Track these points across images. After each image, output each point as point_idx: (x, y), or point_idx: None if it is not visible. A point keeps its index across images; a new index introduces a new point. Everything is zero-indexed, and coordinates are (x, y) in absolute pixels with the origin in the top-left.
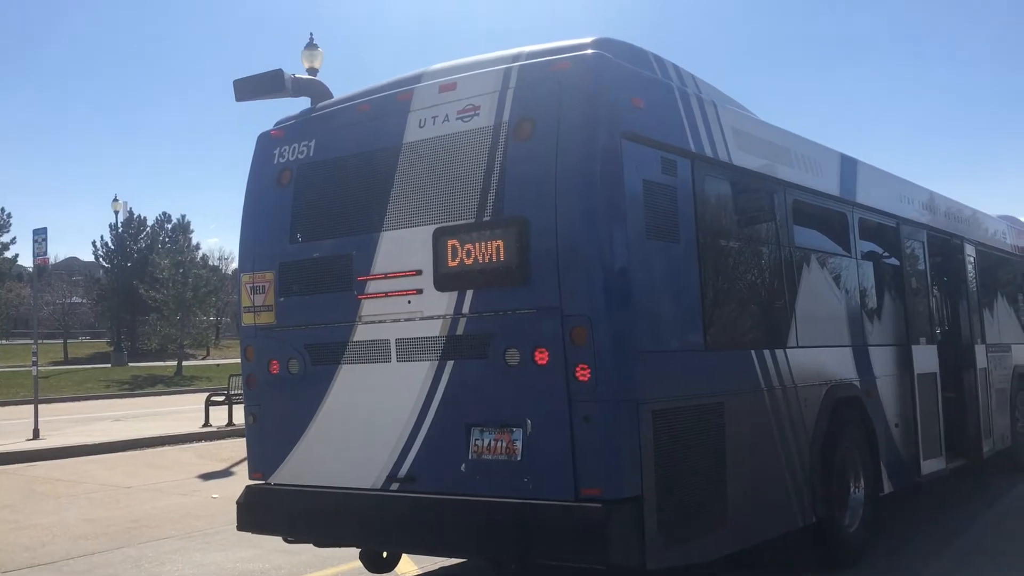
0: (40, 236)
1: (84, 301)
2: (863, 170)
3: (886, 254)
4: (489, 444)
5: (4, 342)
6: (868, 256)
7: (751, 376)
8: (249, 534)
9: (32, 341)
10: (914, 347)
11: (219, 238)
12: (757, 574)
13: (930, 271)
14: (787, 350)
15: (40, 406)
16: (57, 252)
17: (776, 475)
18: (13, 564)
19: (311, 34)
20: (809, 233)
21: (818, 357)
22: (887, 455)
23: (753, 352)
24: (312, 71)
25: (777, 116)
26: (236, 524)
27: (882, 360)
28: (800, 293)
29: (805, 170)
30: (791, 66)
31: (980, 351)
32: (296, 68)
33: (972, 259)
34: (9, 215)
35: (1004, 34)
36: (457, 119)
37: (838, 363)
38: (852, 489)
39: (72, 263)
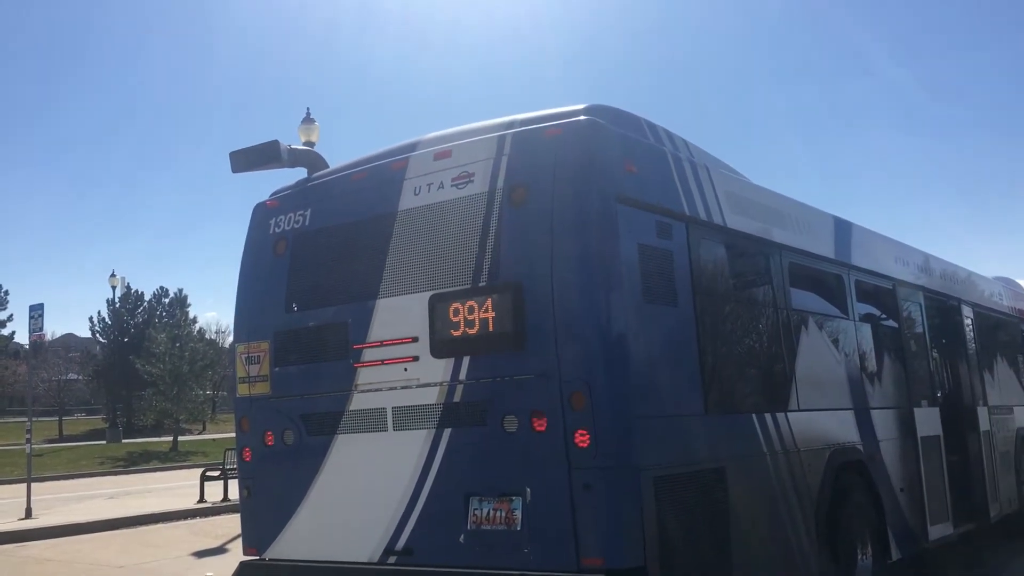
0: (36, 312)
1: (80, 377)
2: (858, 232)
3: (884, 316)
4: (488, 514)
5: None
6: (866, 318)
7: (753, 440)
8: None
9: (27, 419)
10: (916, 410)
11: (216, 312)
12: None
13: (929, 333)
14: (788, 413)
15: (33, 484)
16: (54, 329)
17: (781, 541)
18: None
19: (308, 109)
20: (806, 296)
21: (820, 420)
22: (893, 520)
23: (754, 416)
24: (309, 144)
25: (764, 181)
26: None
27: (885, 423)
28: (799, 356)
29: (800, 232)
30: (776, 133)
31: (983, 413)
32: (292, 140)
33: (970, 320)
34: (7, 292)
35: (997, 96)
36: (452, 186)
37: (840, 426)
38: (859, 556)
39: (69, 339)
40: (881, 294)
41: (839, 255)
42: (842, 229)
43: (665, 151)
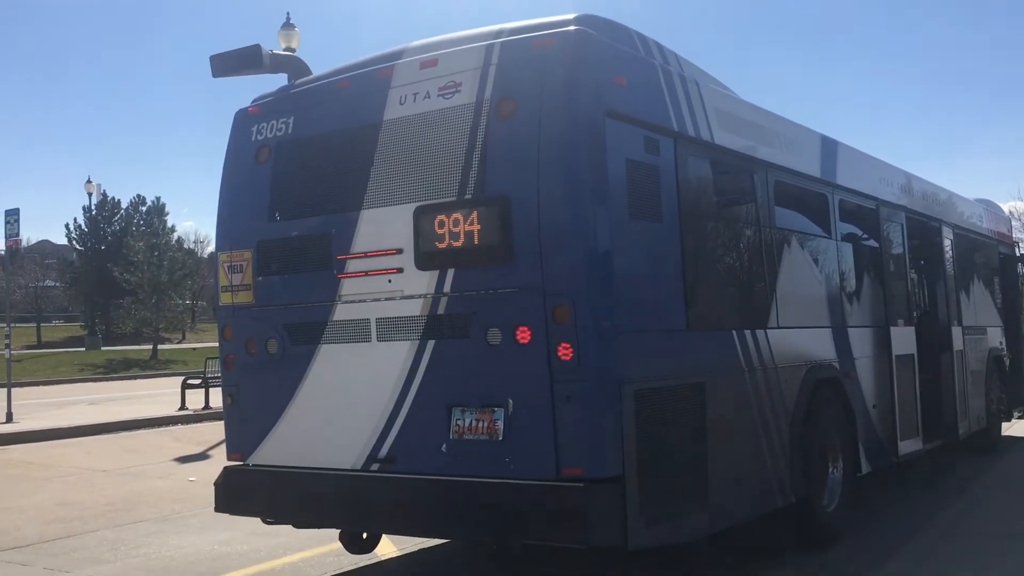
0: (12, 217)
1: (57, 284)
2: (844, 152)
3: (865, 236)
4: (470, 424)
5: None
6: (848, 238)
7: (732, 357)
8: (227, 516)
9: (4, 324)
10: (892, 329)
11: (194, 221)
12: (737, 554)
13: (908, 253)
14: (768, 331)
15: (13, 390)
16: (29, 235)
17: (756, 455)
18: None
19: (288, 13)
20: (790, 214)
21: (798, 338)
22: (865, 435)
23: (735, 333)
24: (289, 50)
25: (753, 97)
26: (214, 506)
27: (861, 341)
28: (781, 274)
29: (787, 151)
30: (766, 46)
31: (957, 333)
32: (272, 46)
33: (950, 242)
34: None
35: (982, 19)
36: (438, 96)
37: (818, 344)
38: (831, 469)
39: (45, 246)
40: (864, 214)
41: (824, 174)
42: (828, 148)
43: (655, 65)
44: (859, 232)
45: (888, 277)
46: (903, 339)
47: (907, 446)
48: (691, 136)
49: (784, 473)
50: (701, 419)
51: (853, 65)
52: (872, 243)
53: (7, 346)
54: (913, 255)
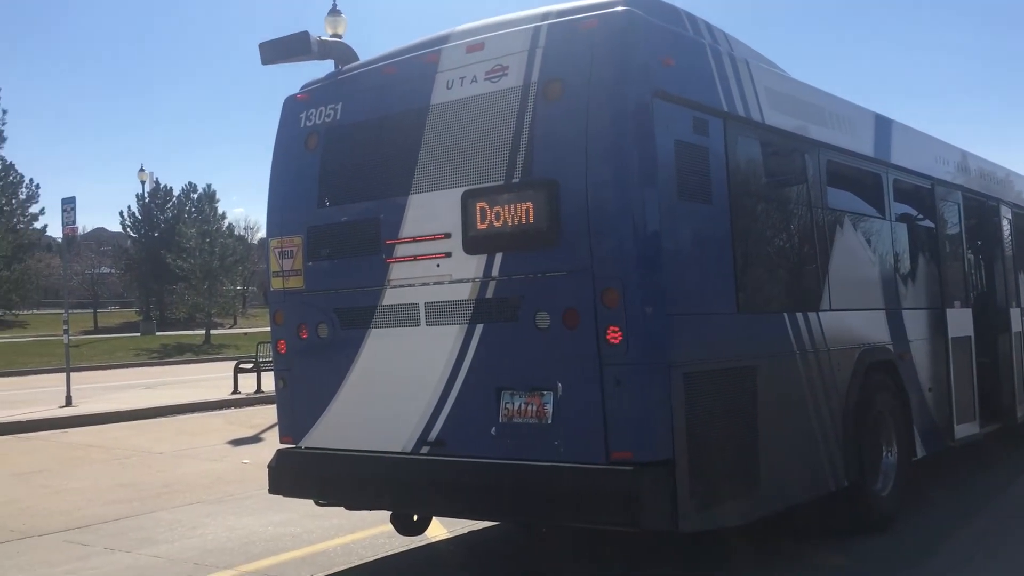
0: (69, 205)
1: (112, 271)
2: (898, 130)
3: (920, 216)
4: (519, 407)
5: (35, 312)
6: (902, 218)
7: (783, 339)
8: (280, 498)
9: (63, 311)
10: (948, 311)
11: (244, 208)
12: (789, 538)
13: (965, 233)
14: (820, 313)
15: (72, 374)
16: (85, 223)
17: (808, 439)
18: (49, 528)
19: (334, 0)
20: (843, 195)
21: (851, 320)
22: (920, 419)
23: (786, 315)
24: (336, 36)
25: (805, 77)
26: (268, 488)
27: (916, 324)
28: (833, 255)
29: (839, 130)
30: (816, 26)
31: (1015, 315)
32: (319, 32)
33: (1008, 221)
34: (37, 186)
35: None
36: (485, 80)
37: (871, 326)
38: (885, 453)
39: (100, 233)
40: (919, 193)
41: (878, 153)
42: (882, 126)
43: (704, 44)
44: (914, 212)
45: (944, 258)
46: (960, 321)
47: (963, 430)
48: (741, 116)
49: (837, 457)
50: (752, 402)
51: (904, 37)
52: (927, 223)
53: (66, 331)
54: (970, 235)
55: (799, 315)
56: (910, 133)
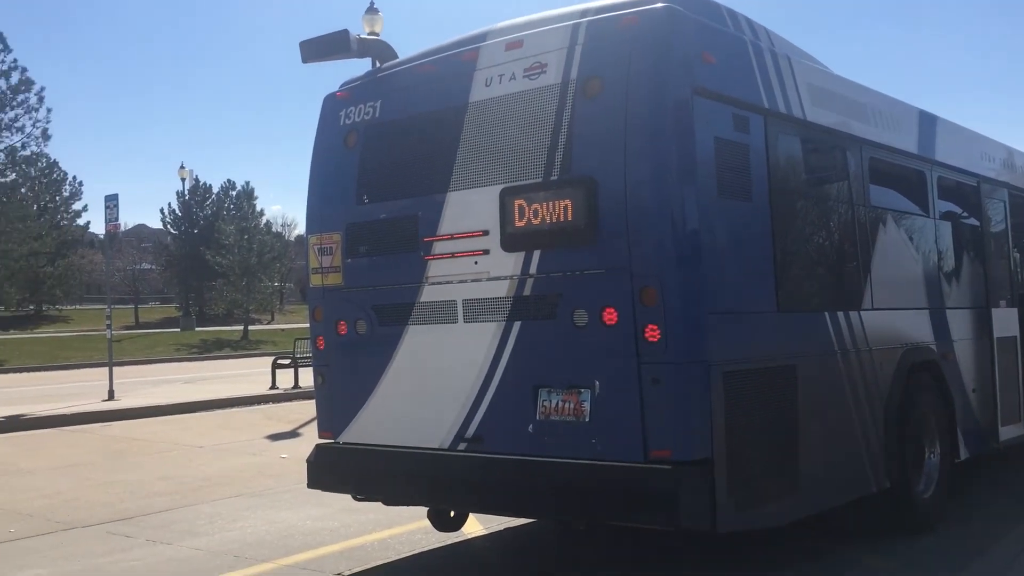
0: (112, 202)
1: (153, 267)
2: (942, 126)
3: (965, 214)
4: (557, 405)
5: (78, 307)
6: (947, 216)
7: (824, 338)
8: (318, 493)
9: (105, 306)
10: (994, 310)
11: (281, 205)
12: (829, 540)
13: (1011, 231)
14: (862, 312)
15: (114, 368)
16: (126, 220)
17: (849, 439)
18: (93, 519)
19: None
20: (885, 192)
21: (893, 320)
22: (964, 420)
23: (827, 314)
24: (373, 34)
25: (849, 73)
26: (306, 482)
27: (960, 323)
28: (875, 254)
29: (882, 127)
30: (860, 23)
31: None
32: (356, 31)
33: None
34: (80, 183)
35: None
36: (524, 77)
37: (914, 326)
38: (927, 454)
39: (141, 230)
40: (964, 191)
41: (922, 150)
42: (926, 123)
43: (745, 40)
44: (959, 210)
45: (989, 256)
46: (1005, 320)
47: (1008, 431)
48: (782, 113)
49: (879, 458)
50: (792, 402)
51: (946, 39)
52: (972, 221)
53: (108, 327)
54: (1016, 233)
55: (840, 314)
56: (955, 130)
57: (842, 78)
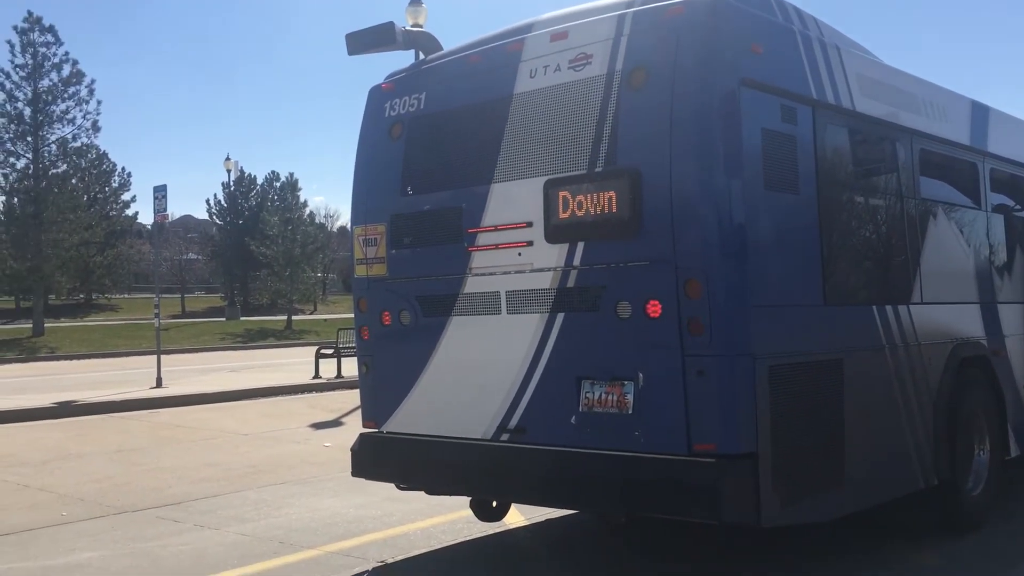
0: (160, 193)
1: (199, 257)
2: (996, 117)
3: (1018, 207)
4: (600, 397)
5: (126, 296)
6: (999, 208)
7: (872, 333)
8: (362, 481)
9: (153, 295)
10: None
11: (324, 196)
12: (875, 536)
13: None
14: (911, 306)
15: (162, 356)
16: (173, 210)
17: (896, 435)
18: (142, 504)
19: None
20: (936, 184)
21: (943, 314)
22: (1015, 417)
23: (875, 308)
24: (416, 26)
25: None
26: (350, 471)
27: (1012, 318)
28: (925, 247)
29: (933, 118)
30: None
31: None
32: (400, 23)
33: None
34: (129, 174)
35: None
36: (569, 68)
37: (964, 320)
38: (976, 451)
39: (187, 220)
40: (1017, 183)
41: (974, 141)
42: (979, 113)
43: (793, 30)
44: (1012, 203)
45: None
46: None
47: None
48: (831, 104)
49: (927, 454)
50: (838, 396)
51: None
52: None
53: (157, 316)
54: None
55: (889, 308)
56: (1009, 120)
57: (892, 68)
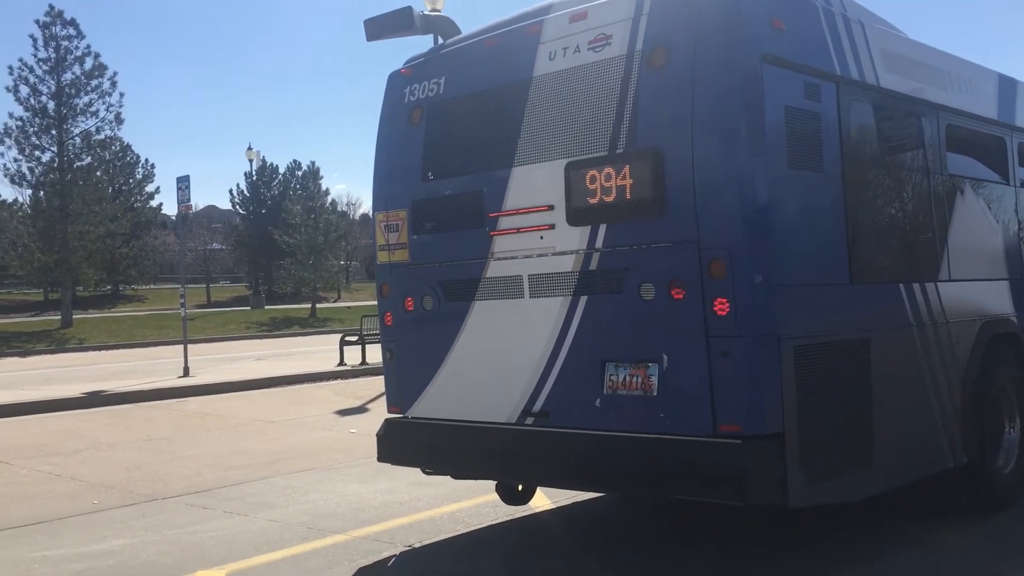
0: (184, 183)
1: (223, 247)
2: (1023, 91)
3: None
4: (624, 379)
5: (152, 286)
6: None
7: (899, 311)
8: (388, 466)
9: (178, 285)
10: None
11: (346, 184)
12: (903, 516)
13: None
14: (938, 284)
15: (188, 346)
16: (197, 200)
17: (925, 414)
18: (172, 491)
19: None
20: (963, 160)
21: (971, 291)
22: None
23: (901, 286)
24: (434, 11)
25: (928, 38)
26: (376, 456)
27: None
28: (953, 224)
29: (960, 92)
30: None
31: None
32: (417, 8)
33: None
34: (153, 166)
35: None
36: (588, 50)
37: (993, 298)
38: (1007, 429)
39: (211, 211)
40: None
41: (1002, 116)
42: (1006, 88)
43: (816, 5)
44: None
45: None
46: None
47: None
48: (855, 80)
49: (956, 433)
50: (866, 375)
51: None
52: None
53: (182, 305)
54: None
55: (916, 286)
56: None
57: (917, 43)
